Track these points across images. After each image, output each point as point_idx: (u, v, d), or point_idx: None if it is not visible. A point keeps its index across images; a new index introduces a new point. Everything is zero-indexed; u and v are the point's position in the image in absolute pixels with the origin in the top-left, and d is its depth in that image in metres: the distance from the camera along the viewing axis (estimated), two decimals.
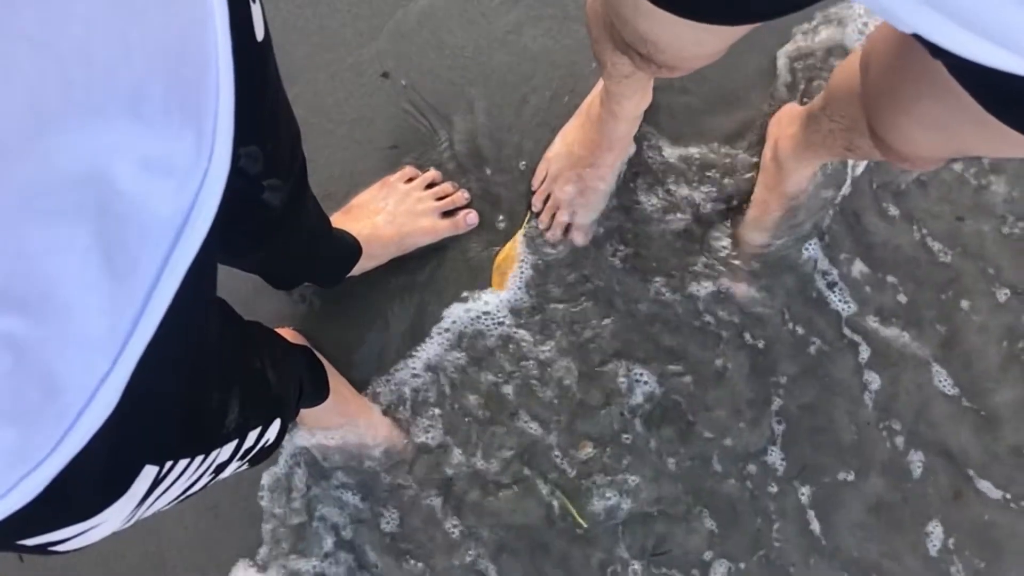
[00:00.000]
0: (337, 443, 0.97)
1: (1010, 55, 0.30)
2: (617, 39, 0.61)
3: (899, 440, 0.95)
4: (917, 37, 0.34)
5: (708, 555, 0.94)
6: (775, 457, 0.95)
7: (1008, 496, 0.94)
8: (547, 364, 0.98)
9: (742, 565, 0.94)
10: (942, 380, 0.96)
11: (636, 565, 0.94)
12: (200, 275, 0.31)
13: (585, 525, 0.93)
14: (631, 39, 0.58)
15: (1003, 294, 0.96)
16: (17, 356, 0.25)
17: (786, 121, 0.93)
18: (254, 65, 0.39)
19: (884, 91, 0.56)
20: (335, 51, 1.04)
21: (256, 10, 0.39)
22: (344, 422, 0.95)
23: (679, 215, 1.00)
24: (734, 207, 0.99)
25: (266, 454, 0.54)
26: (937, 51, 0.34)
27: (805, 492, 0.95)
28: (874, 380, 0.96)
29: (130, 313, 0.28)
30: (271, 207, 0.47)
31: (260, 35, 0.39)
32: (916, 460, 0.95)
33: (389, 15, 1.04)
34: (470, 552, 0.96)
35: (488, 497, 0.97)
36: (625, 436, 0.96)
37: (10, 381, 0.25)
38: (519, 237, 0.98)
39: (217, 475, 0.44)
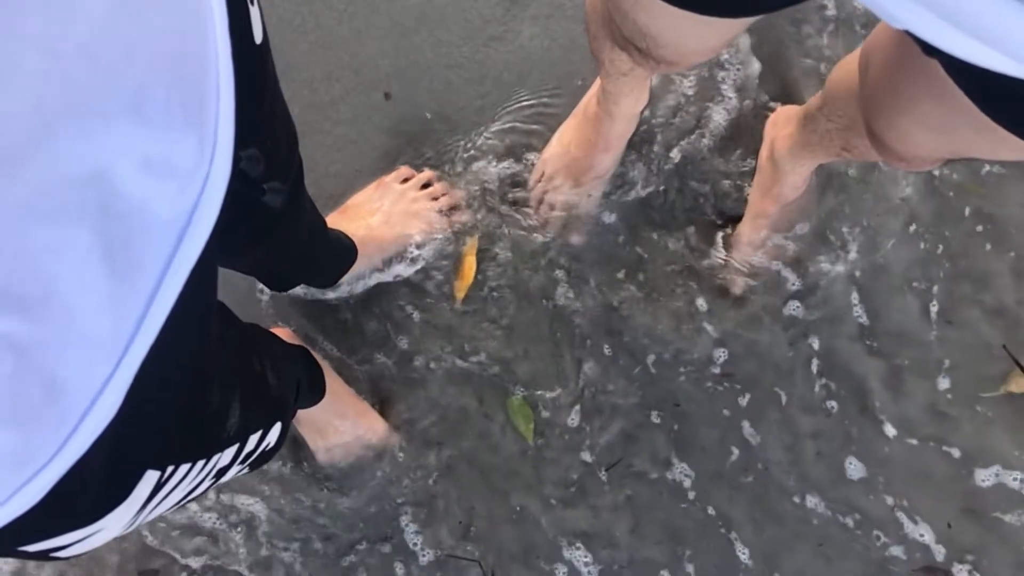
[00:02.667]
0: (337, 442, 0.97)
1: (999, 55, 0.30)
2: (616, 34, 0.61)
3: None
4: (911, 35, 0.34)
5: (672, 459, 0.95)
6: (719, 363, 0.97)
7: (911, 437, 0.95)
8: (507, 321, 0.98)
9: (708, 466, 0.96)
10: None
11: (601, 473, 0.95)
12: (202, 278, 0.31)
13: (531, 443, 0.95)
14: (630, 33, 0.58)
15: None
16: (18, 358, 0.25)
17: (783, 121, 0.93)
18: (253, 68, 0.38)
19: (883, 91, 0.56)
20: (332, 49, 1.04)
21: (255, 13, 0.38)
22: (341, 422, 0.95)
23: (674, 215, 1.00)
24: (731, 211, 0.99)
25: (266, 458, 0.54)
26: (930, 50, 0.34)
27: (744, 400, 0.96)
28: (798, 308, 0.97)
29: (132, 316, 0.28)
30: (272, 209, 0.47)
31: (259, 38, 0.39)
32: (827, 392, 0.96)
33: (386, 14, 1.04)
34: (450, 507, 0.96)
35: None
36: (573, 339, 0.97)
37: (11, 383, 0.25)
38: (475, 244, 0.98)
39: (218, 479, 0.44)
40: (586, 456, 0.96)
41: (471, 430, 0.97)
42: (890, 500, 0.94)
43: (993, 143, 0.46)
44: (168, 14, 0.28)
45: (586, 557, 0.94)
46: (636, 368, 0.98)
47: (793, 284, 0.98)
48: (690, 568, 0.94)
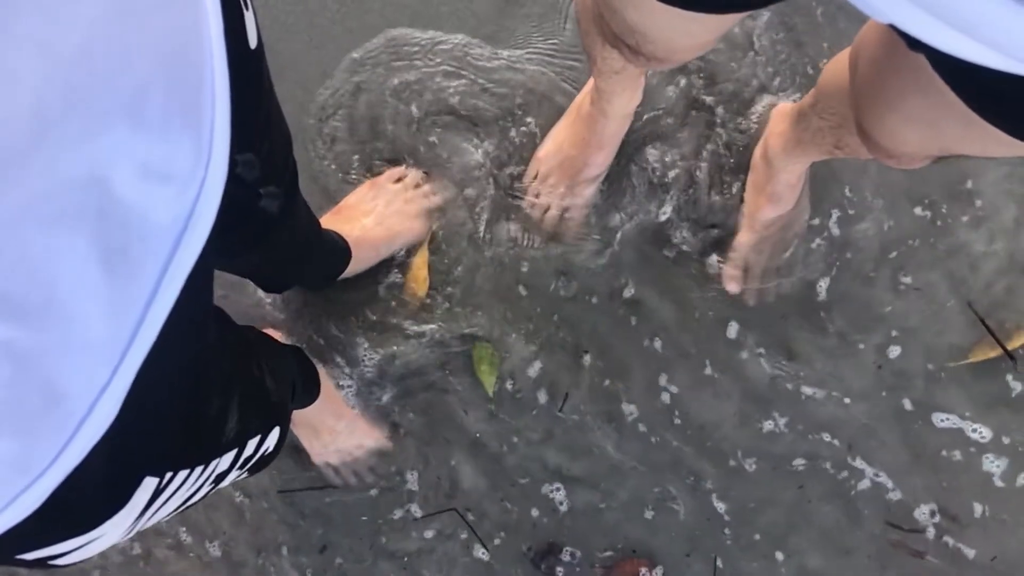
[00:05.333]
0: (332, 443, 0.97)
1: (982, 48, 0.30)
2: (607, 32, 0.61)
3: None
4: (895, 28, 0.34)
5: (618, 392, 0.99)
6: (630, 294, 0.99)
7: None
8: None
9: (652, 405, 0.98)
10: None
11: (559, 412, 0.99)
12: (198, 283, 0.31)
13: (491, 394, 0.99)
14: (620, 30, 0.57)
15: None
16: (16, 365, 0.25)
17: (776, 119, 0.94)
18: (248, 72, 0.38)
19: (872, 86, 0.56)
20: (325, 49, 1.03)
21: (249, 18, 0.38)
22: (336, 422, 0.95)
23: (668, 215, 1.00)
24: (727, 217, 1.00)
25: (265, 462, 0.54)
26: (915, 44, 0.34)
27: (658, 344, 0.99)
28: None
29: (130, 321, 0.28)
30: (268, 213, 0.47)
31: (253, 42, 0.39)
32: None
33: (379, 13, 1.04)
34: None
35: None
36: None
37: (10, 390, 0.25)
38: (427, 250, 0.98)
39: (217, 484, 0.44)
40: (542, 398, 0.98)
41: (437, 384, 1.00)
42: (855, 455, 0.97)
43: (981, 139, 0.46)
44: (165, 17, 0.28)
45: (559, 494, 0.98)
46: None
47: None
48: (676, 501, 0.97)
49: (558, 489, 0.98)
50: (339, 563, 0.99)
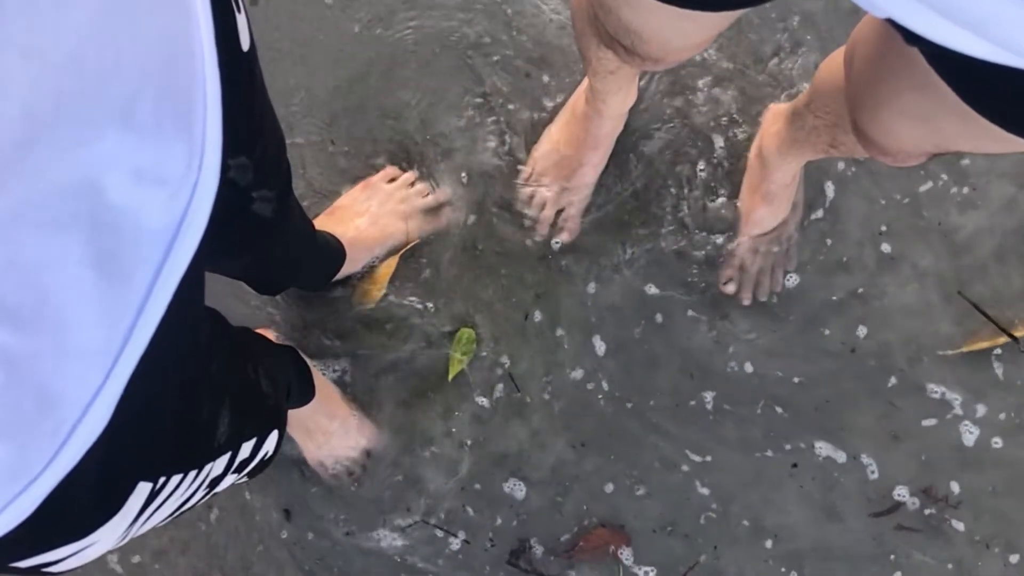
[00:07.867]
0: (326, 444, 0.96)
1: (980, 42, 0.30)
2: (602, 32, 0.61)
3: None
4: (892, 23, 0.34)
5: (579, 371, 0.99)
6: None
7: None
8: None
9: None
10: None
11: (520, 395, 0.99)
12: (190, 286, 0.31)
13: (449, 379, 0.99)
14: (615, 30, 0.57)
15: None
16: (9, 370, 0.25)
17: (771, 118, 0.94)
18: (241, 75, 0.38)
19: (867, 83, 0.56)
20: (315, 47, 1.03)
21: (242, 20, 0.38)
22: (330, 423, 0.95)
23: (667, 218, 1.00)
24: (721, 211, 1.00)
25: (264, 466, 0.54)
26: (912, 38, 0.34)
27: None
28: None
29: (123, 326, 0.28)
30: (261, 217, 0.47)
31: (246, 45, 0.39)
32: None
33: (368, 4, 1.04)
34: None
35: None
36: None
37: (2, 395, 0.25)
38: (399, 256, 0.98)
39: (212, 489, 0.44)
40: (499, 391, 0.99)
41: (407, 376, 1.00)
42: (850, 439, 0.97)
43: (976, 135, 0.46)
44: (155, 22, 0.28)
45: (518, 485, 0.98)
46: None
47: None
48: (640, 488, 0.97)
49: (520, 482, 0.98)
50: (311, 537, 0.99)
